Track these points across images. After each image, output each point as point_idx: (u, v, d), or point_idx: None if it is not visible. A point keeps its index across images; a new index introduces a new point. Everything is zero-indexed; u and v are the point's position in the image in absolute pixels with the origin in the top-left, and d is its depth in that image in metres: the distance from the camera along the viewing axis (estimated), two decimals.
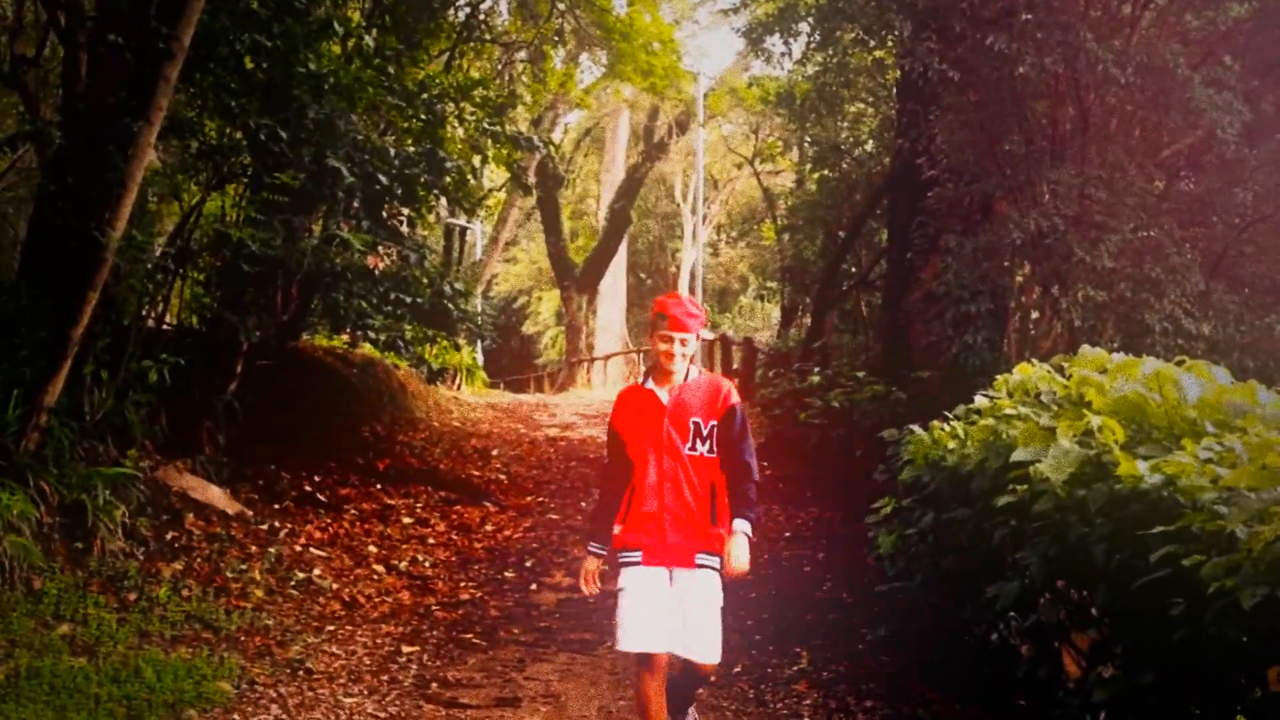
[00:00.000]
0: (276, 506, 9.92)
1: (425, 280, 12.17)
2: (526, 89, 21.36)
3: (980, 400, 6.06)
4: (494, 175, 24.38)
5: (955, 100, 10.37)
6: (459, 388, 21.78)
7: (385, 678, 6.55)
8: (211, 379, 10.00)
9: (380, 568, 9.00)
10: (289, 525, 9.51)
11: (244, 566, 8.20)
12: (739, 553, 4.64)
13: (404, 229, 12.95)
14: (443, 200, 14.98)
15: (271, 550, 8.66)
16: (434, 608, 8.13)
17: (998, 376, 6.30)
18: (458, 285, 13.52)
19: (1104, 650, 4.36)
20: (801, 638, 7.26)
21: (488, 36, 17.85)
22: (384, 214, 11.78)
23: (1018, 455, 4.68)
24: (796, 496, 11.52)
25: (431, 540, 10.01)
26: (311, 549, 9.09)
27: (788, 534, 10.36)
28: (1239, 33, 10.37)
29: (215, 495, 9.19)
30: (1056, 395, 5.55)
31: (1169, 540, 3.63)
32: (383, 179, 10.62)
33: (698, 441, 4.77)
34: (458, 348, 19.28)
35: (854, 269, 18.05)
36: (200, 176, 9.47)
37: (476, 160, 14.81)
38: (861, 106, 18.24)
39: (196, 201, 9.44)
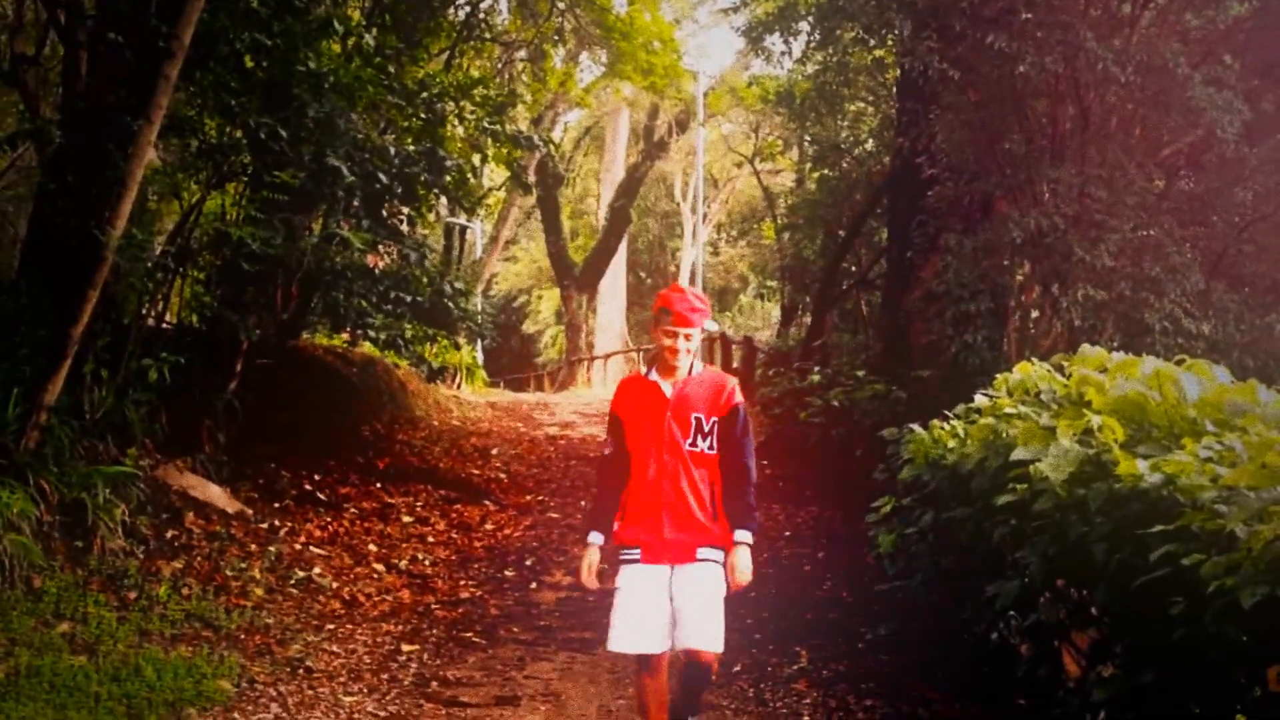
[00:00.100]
0: (276, 505, 9.92)
1: (425, 279, 12.17)
2: (526, 88, 21.36)
3: (980, 399, 6.06)
4: (494, 174, 24.38)
5: (955, 99, 10.37)
6: (459, 386, 21.78)
7: (385, 676, 6.55)
8: (211, 377, 10.01)
9: (380, 566, 9.00)
10: (289, 524, 9.51)
11: (244, 565, 8.20)
12: (743, 565, 4.65)
13: (404, 228, 12.95)
14: (443, 199, 14.99)
15: (271, 549, 8.66)
16: (434, 606, 8.13)
17: (998, 375, 6.30)
18: (458, 284, 13.51)
19: (1104, 649, 4.37)
20: (801, 636, 7.27)
21: (488, 35, 17.84)
22: (384, 213, 11.77)
23: (1018, 454, 4.68)
24: (796, 495, 11.52)
25: (431, 539, 10.02)
26: (311, 547, 9.09)
27: (788, 533, 10.36)
28: (1239, 32, 10.37)
29: (215, 494, 9.19)
30: (1056, 394, 5.55)
31: (1169, 539, 3.63)
32: (383, 178, 10.62)
33: (699, 438, 4.71)
34: (458, 346, 19.27)
35: (854, 268, 18.05)
36: (200, 175, 9.47)
37: (476, 159, 14.81)
38: (861, 105, 18.24)
39: (196, 200, 9.44)
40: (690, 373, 4.78)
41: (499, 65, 20.80)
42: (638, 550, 4.74)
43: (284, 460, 10.97)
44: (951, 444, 5.94)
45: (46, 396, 7.59)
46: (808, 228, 19.17)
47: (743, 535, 4.69)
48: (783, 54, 18.51)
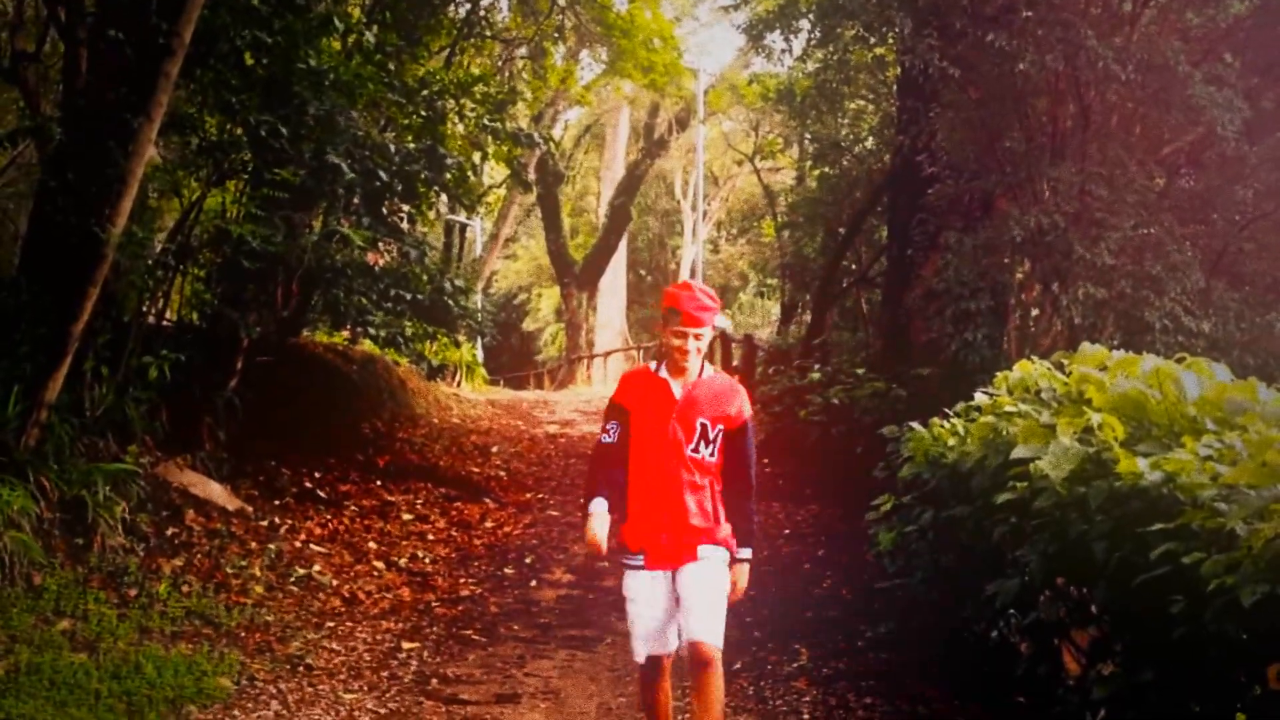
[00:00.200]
0: (277, 503, 9.92)
1: (425, 277, 12.17)
2: (527, 85, 21.33)
3: (980, 397, 6.06)
4: (494, 172, 24.37)
5: (956, 97, 10.37)
6: (459, 384, 21.77)
7: (385, 674, 6.55)
8: (212, 375, 10.01)
9: (380, 564, 9.00)
10: (289, 521, 9.52)
11: (244, 563, 8.21)
12: (741, 582, 4.66)
13: (404, 225, 12.95)
14: (443, 197, 14.98)
15: (271, 546, 8.67)
16: (434, 604, 8.13)
17: (998, 374, 6.31)
18: (458, 282, 13.50)
19: (1104, 648, 4.37)
20: (801, 634, 7.27)
21: (488, 33, 17.82)
22: (384, 210, 11.78)
23: (1018, 452, 4.68)
24: (796, 493, 11.53)
25: (431, 537, 10.02)
26: (311, 545, 9.09)
27: (787, 531, 10.36)
28: (1239, 30, 10.37)
29: (215, 491, 9.20)
30: (1056, 392, 5.55)
31: (1169, 537, 3.63)
32: (383, 175, 10.62)
33: (701, 444, 4.59)
34: (458, 344, 19.25)
35: (854, 266, 18.04)
36: (201, 173, 9.47)
37: (476, 157, 14.82)
38: (862, 103, 18.23)
39: (197, 198, 9.44)
40: (701, 374, 4.66)
41: (499, 63, 20.78)
42: (640, 557, 4.64)
43: (284, 458, 10.97)
44: (951, 442, 5.94)
45: (47, 394, 7.60)
46: (808, 225, 19.16)
47: (743, 552, 4.67)
48: (783, 52, 18.60)
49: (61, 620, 6.50)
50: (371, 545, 9.46)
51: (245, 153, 9.42)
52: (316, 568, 8.53)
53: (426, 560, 9.29)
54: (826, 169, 18.14)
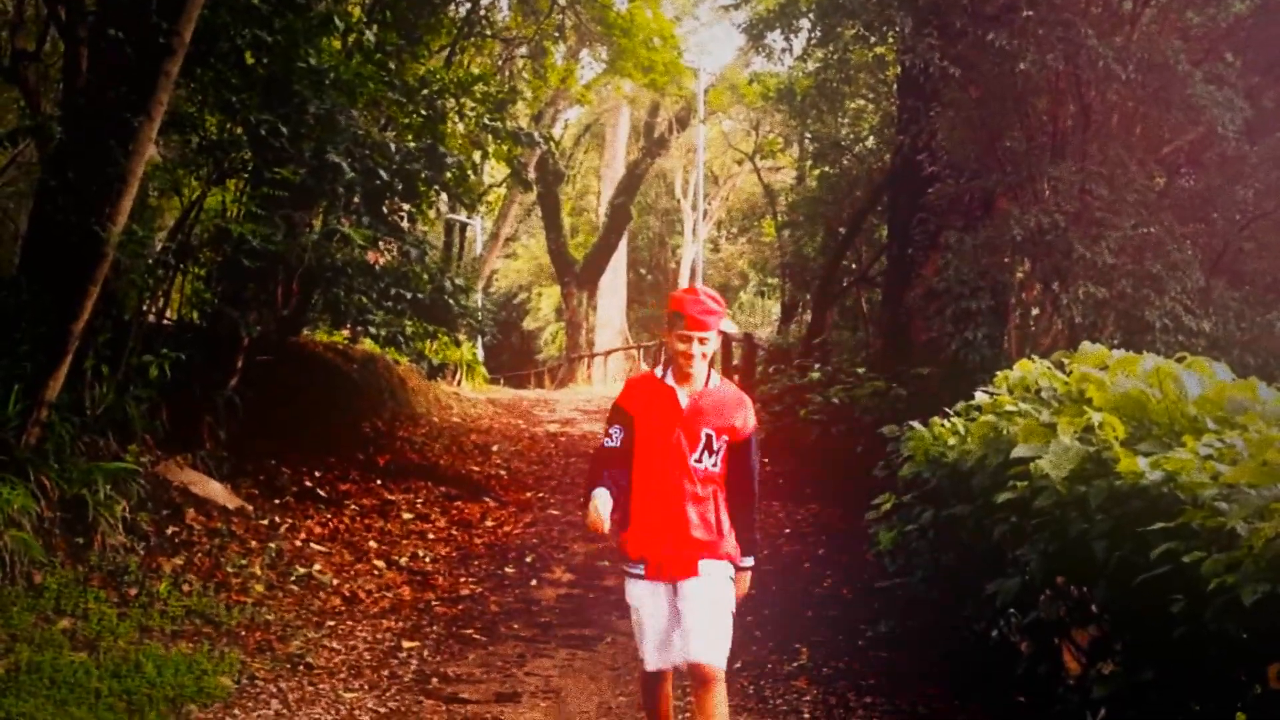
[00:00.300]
0: (277, 501, 9.92)
1: (426, 276, 12.16)
2: (527, 85, 21.33)
3: (980, 397, 6.06)
4: (494, 171, 24.37)
5: (956, 96, 10.37)
6: (459, 383, 21.78)
7: (385, 673, 6.55)
8: (212, 374, 10.00)
9: (380, 563, 9.00)
10: (289, 520, 9.52)
11: (244, 562, 8.20)
12: (743, 587, 4.68)
13: (404, 224, 12.94)
14: (443, 196, 14.97)
15: (272, 545, 8.67)
16: (434, 603, 8.13)
17: (998, 373, 6.31)
18: (458, 281, 13.49)
19: (1104, 647, 4.37)
20: (801, 634, 7.27)
21: (488, 32, 17.82)
22: (384, 209, 11.77)
23: (1018, 452, 4.69)
24: (796, 493, 11.53)
25: (432, 535, 10.02)
26: (312, 544, 9.09)
27: (788, 530, 10.36)
28: (1240, 29, 10.38)
29: (216, 490, 9.20)
30: (1057, 392, 5.56)
31: (1169, 537, 3.64)
32: (383, 174, 10.62)
33: (705, 454, 4.51)
34: (458, 343, 19.24)
35: (854, 265, 18.05)
36: (201, 171, 9.47)
37: (477, 156, 14.81)
38: (862, 103, 18.23)
39: (197, 196, 9.43)
40: (707, 383, 4.56)
41: (499, 62, 20.78)
42: (642, 566, 4.58)
43: (284, 457, 10.97)
44: (952, 441, 5.94)
45: (47, 393, 7.60)
46: (808, 225, 19.17)
47: (745, 562, 4.65)
48: (783, 51, 18.55)
49: (62, 619, 6.50)
50: (372, 544, 9.46)
51: (245, 151, 9.42)
52: (317, 567, 8.53)
53: (427, 559, 9.29)
54: (827, 168, 18.15)
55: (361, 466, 11.76)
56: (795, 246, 20.10)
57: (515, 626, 7.63)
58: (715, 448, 4.52)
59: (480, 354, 25.62)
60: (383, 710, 5.94)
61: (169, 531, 8.26)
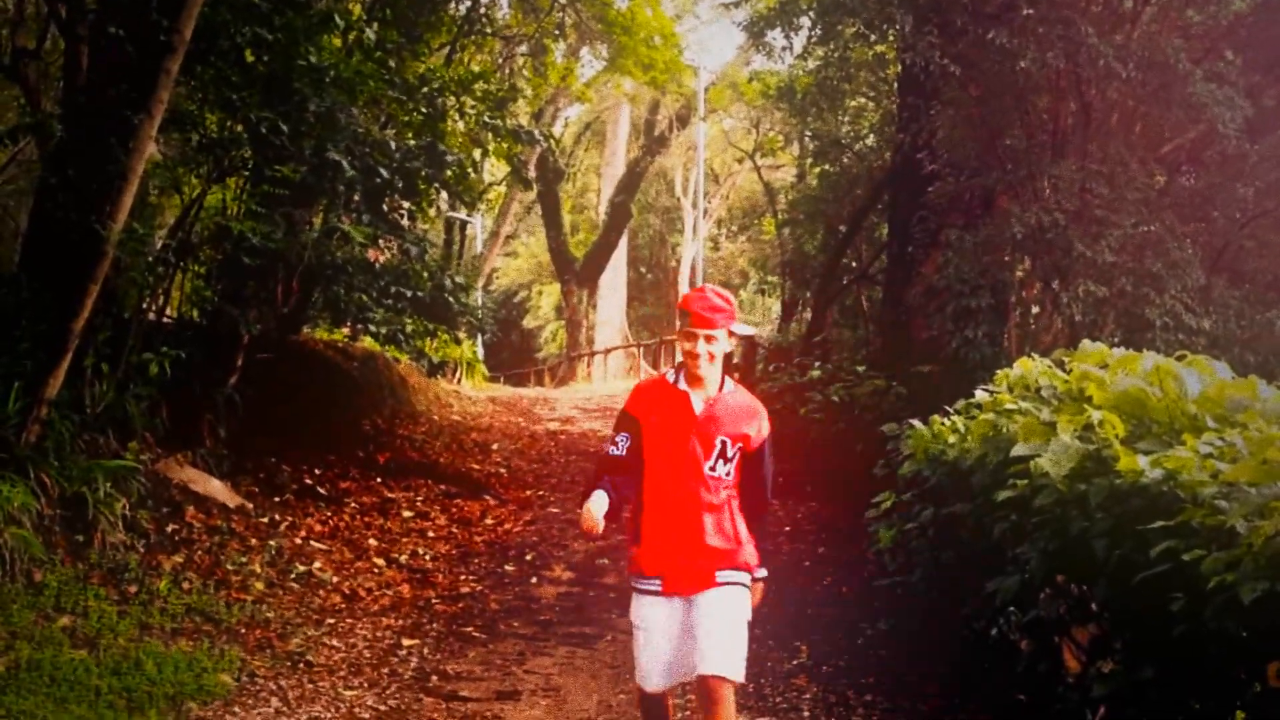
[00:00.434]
0: (277, 499, 9.92)
1: (426, 274, 12.16)
2: (527, 83, 21.33)
3: (980, 395, 6.06)
4: (494, 169, 24.36)
5: (956, 95, 10.36)
6: (459, 381, 21.78)
7: (385, 671, 6.56)
8: (212, 372, 10.00)
9: (380, 561, 9.00)
10: (289, 518, 9.52)
11: (244, 559, 8.20)
12: (754, 598, 4.46)
13: (404, 222, 12.95)
14: (443, 194, 14.97)
15: (272, 543, 8.67)
16: (434, 601, 8.14)
17: (998, 371, 6.32)
18: (458, 279, 13.49)
19: (1104, 645, 4.37)
20: (801, 632, 7.27)
21: (489, 30, 17.81)
22: (384, 207, 11.77)
23: (1018, 450, 4.68)
24: (796, 491, 11.52)
25: (432, 534, 10.02)
26: (312, 542, 9.09)
27: (788, 528, 10.36)
28: (1240, 28, 10.37)
29: (216, 488, 9.20)
30: (1057, 390, 5.56)
31: (1169, 535, 3.63)
32: (383, 172, 10.61)
33: (720, 462, 4.31)
34: (458, 341, 19.24)
35: (854, 263, 18.04)
36: (201, 169, 9.47)
37: (477, 154, 14.81)
38: (862, 101, 18.22)
39: (197, 194, 9.43)
40: (722, 389, 4.37)
41: (500, 60, 20.77)
42: (658, 581, 4.33)
43: (284, 454, 10.97)
44: (952, 439, 5.94)
45: (47, 390, 7.60)
46: (808, 223, 19.16)
47: (758, 572, 4.45)
48: (784, 49, 18.52)
49: (62, 617, 6.50)
50: (372, 542, 9.46)
51: (246, 149, 9.42)
52: (317, 564, 8.53)
53: (427, 557, 9.29)
54: (827, 166, 18.14)
55: (361, 464, 11.76)
56: (795, 244, 20.10)
57: (515, 624, 7.63)
58: (730, 455, 4.33)
59: (480, 352, 25.63)
60: (383, 708, 5.94)
61: (169, 529, 8.27)
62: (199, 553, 8.10)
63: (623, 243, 34.87)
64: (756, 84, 22.32)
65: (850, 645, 7.01)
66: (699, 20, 33.47)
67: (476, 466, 13.19)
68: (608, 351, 33.59)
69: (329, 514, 9.95)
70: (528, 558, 9.49)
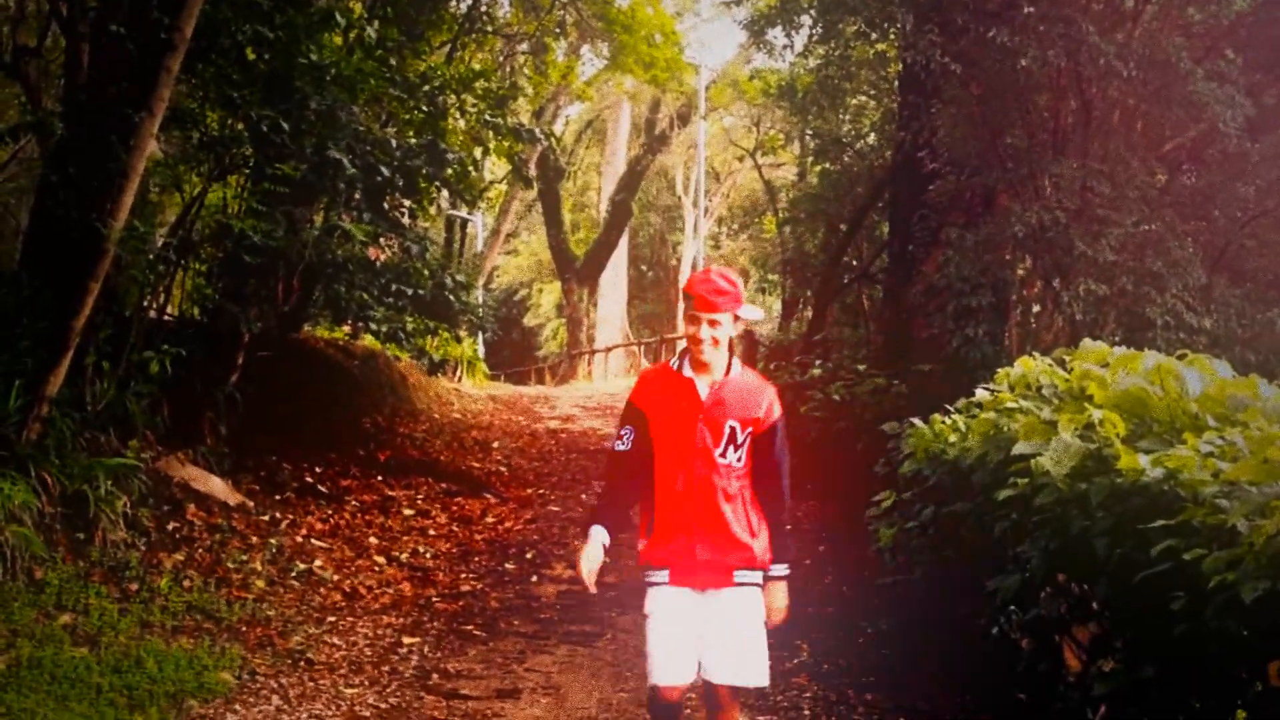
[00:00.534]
0: (277, 497, 9.93)
1: (426, 272, 12.17)
2: (528, 81, 21.34)
3: (981, 393, 6.05)
4: (495, 167, 24.35)
5: (957, 93, 10.36)
6: (460, 380, 21.78)
7: (386, 669, 6.56)
8: (213, 370, 10.01)
9: (381, 559, 9.01)
10: (290, 516, 9.52)
11: (245, 557, 8.21)
12: (780, 602, 4.27)
13: (405, 220, 12.96)
14: (444, 192, 14.97)
15: (273, 541, 8.67)
16: (435, 599, 8.14)
17: (999, 370, 6.30)
18: (459, 277, 13.50)
19: (1104, 644, 4.37)
20: (802, 630, 7.26)
21: (489, 28, 17.82)
22: (385, 205, 11.78)
23: (1019, 449, 4.68)
24: (797, 489, 11.34)
25: (432, 532, 10.02)
26: (312, 540, 9.10)
27: (788, 527, 10.34)
28: (1241, 26, 10.36)
29: (216, 486, 9.20)
30: (1058, 389, 5.55)
31: (1170, 534, 3.63)
32: (384, 170, 10.62)
33: (730, 448, 4.15)
34: (459, 340, 19.26)
35: (855, 262, 18.06)
36: (202, 167, 9.46)
37: (478, 152, 14.81)
38: (863, 99, 18.22)
39: (198, 192, 9.43)
40: (729, 372, 4.21)
41: (501, 58, 20.78)
42: (666, 572, 4.18)
43: (285, 452, 10.97)
44: (953, 438, 5.93)
45: (48, 388, 7.60)
46: (809, 222, 19.17)
47: (778, 569, 4.27)
48: (785, 47, 18.62)
49: (63, 615, 6.50)
50: (372, 540, 9.46)
51: (246, 148, 9.42)
52: (317, 562, 8.54)
53: (427, 555, 9.29)
54: (828, 165, 18.15)
55: (362, 462, 11.76)
56: (796, 243, 20.11)
57: (516, 622, 7.63)
58: (740, 440, 4.17)
59: (481, 350, 25.62)
60: (383, 706, 5.94)
61: (170, 527, 8.27)
62: (200, 551, 8.10)
63: (623, 241, 34.88)
64: (757, 82, 22.34)
65: (851, 644, 7.01)
66: (700, 18, 33.67)
67: (477, 465, 13.19)
68: (608, 350, 33.59)
69: (330, 512, 9.95)
70: (528, 556, 9.49)
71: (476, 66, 15.21)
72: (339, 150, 9.78)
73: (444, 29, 14.93)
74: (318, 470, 11.01)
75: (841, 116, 18.27)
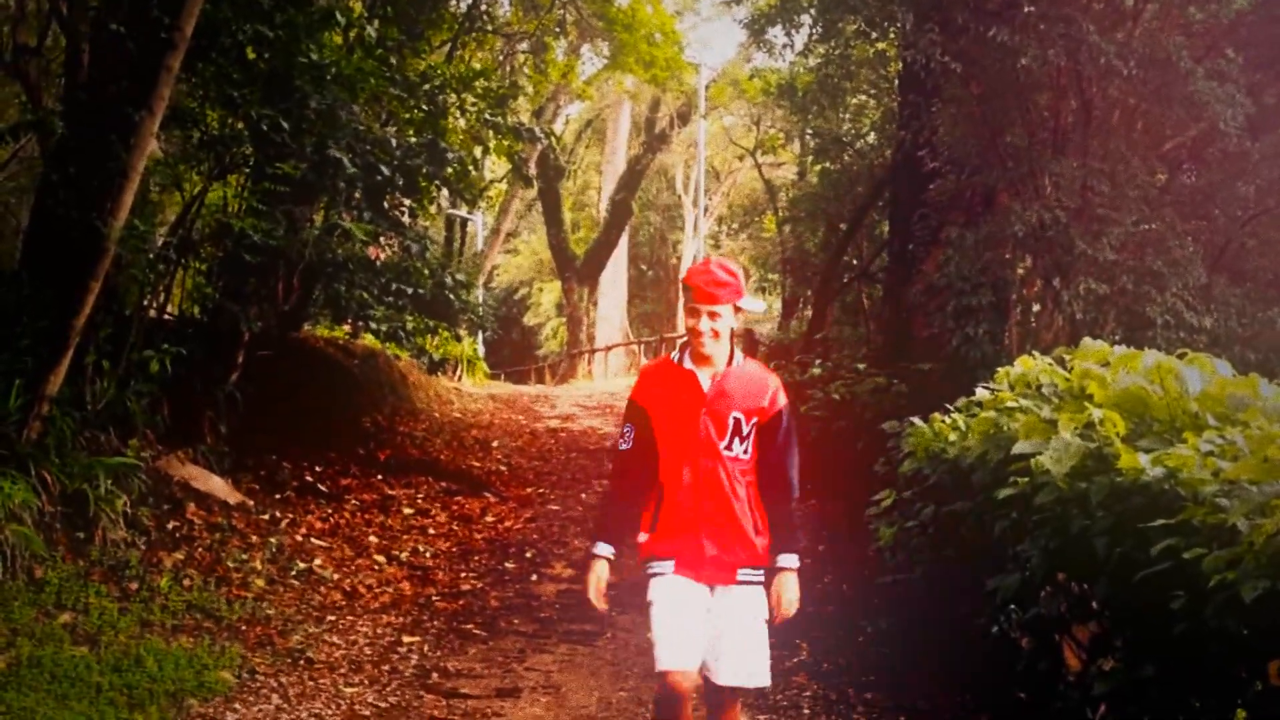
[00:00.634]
0: (277, 496, 9.93)
1: (427, 271, 12.16)
2: (528, 80, 21.35)
3: (981, 393, 6.05)
4: (495, 166, 24.36)
5: (957, 92, 10.36)
6: (460, 379, 21.78)
7: (386, 668, 6.56)
8: (213, 369, 10.01)
9: (381, 558, 9.01)
10: (290, 515, 9.52)
11: (245, 556, 8.21)
12: (790, 595, 4.18)
13: (405, 220, 12.95)
14: (444, 191, 14.98)
15: (272, 540, 8.67)
16: (434, 598, 8.14)
17: (999, 369, 6.30)
18: (459, 276, 13.49)
19: (1104, 643, 4.37)
20: (802, 630, 7.24)
21: (489, 27, 17.82)
22: (385, 204, 11.78)
23: (1019, 448, 4.68)
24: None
25: (432, 531, 10.02)
26: (312, 539, 9.10)
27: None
28: (1242, 25, 10.36)
29: (216, 485, 9.20)
30: (1058, 388, 5.55)
31: (1170, 533, 3.63)
32: (384, 170, 10.61)
33: (735, 440, 4.09)
34: (459, 339, 19.27)
35: (855, 261, 18.07)
36: (202, 166, 9.46)
37: (478, 151, 14.81)
38: (863, 98, 18.24)
39: (198, 191, 9.43)
40: (731, 363, 4.14)
41: (501, 57, 20.79)
42: (670, 562, 4.11)
43: (285, 452, 10.97)
44: (953, 437, 5.94)
45: (48, 387, 7.60)
46: (809, 221, 19.19)
47: (788, 560, 4.21)
48: (785, 47, 18.57)
49: (63, 613, 6.50)
50: (372, 539, 9.46)
51: (247, 147, 9.42)
52: (317, 561, 8.54)
53: (427, 554, 9.29)
54: (828, 164, 18.16)
55: (362, 462, 11.76)
56: (796, 242, 20.13)
57: (515, 622, 7.63)
58: (745, 433, 4.11)
59: (481, 349, 25.64)
60: (383, 705, 5.94)
61: (170, 526, 8.27)
62: (200, 550, 8.10)
63: (623, 240, 34.89)
64: (757, 81, 22.34)
65: (851, 643, 7.01)
66: (700, 17, 33.67)
67: (477, 464, 13.19)
68: (608, 349, 33.60)
69: (329, 511, 9.95)
70: (528, 555, 9.49)
71: (476, 65, 15.21)
72: (339, 149, 9.78)
73: (444, 28, 14.93)
74: (318, 469, 11.01)
75: (841, 115, 18.29)
